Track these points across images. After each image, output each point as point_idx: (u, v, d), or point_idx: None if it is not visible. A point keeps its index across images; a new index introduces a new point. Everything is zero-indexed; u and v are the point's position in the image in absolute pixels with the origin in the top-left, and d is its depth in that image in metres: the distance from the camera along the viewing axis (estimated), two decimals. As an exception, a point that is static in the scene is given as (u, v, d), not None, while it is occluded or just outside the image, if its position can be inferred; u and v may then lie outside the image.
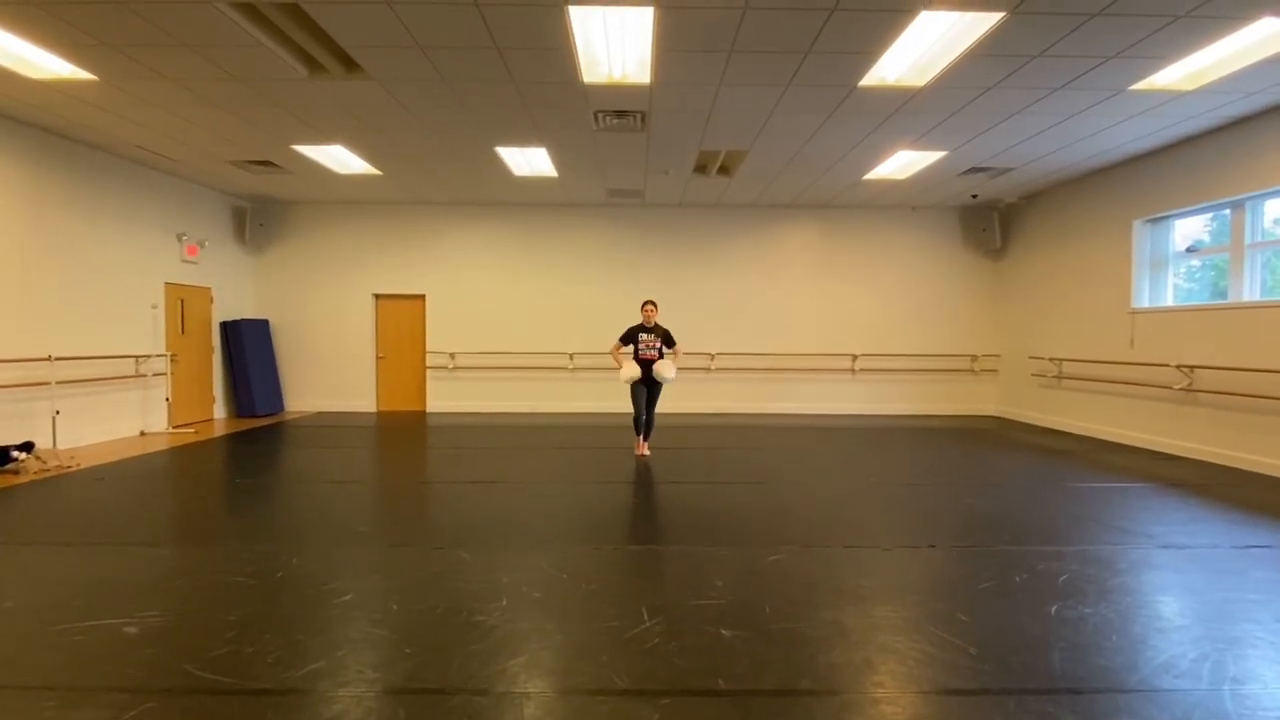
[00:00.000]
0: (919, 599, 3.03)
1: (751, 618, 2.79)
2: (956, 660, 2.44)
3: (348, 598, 2.99)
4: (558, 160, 7.44)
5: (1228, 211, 6.46)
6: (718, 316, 10.05)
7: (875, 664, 2.42)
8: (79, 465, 5.87)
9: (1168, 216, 7.12)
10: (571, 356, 10.03)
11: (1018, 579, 3.26)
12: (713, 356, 10.06)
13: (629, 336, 6.36)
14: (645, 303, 6.42)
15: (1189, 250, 7.04)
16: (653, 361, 6.25)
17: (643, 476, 5.62)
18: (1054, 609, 2.91)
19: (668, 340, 6.39)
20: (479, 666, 2.37)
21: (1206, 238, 6.96)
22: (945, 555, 3.63)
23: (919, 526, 4.21)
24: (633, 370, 6.18)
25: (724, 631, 2.66)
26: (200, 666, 2.35)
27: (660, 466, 6.00)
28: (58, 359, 6.50)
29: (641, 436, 6.50)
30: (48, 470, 5.62)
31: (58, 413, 6.46)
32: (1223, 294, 6.59)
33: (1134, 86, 5.15)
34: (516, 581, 3.19)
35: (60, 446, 6.49)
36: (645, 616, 2.80)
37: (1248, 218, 6.23)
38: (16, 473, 5.50)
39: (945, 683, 2.29)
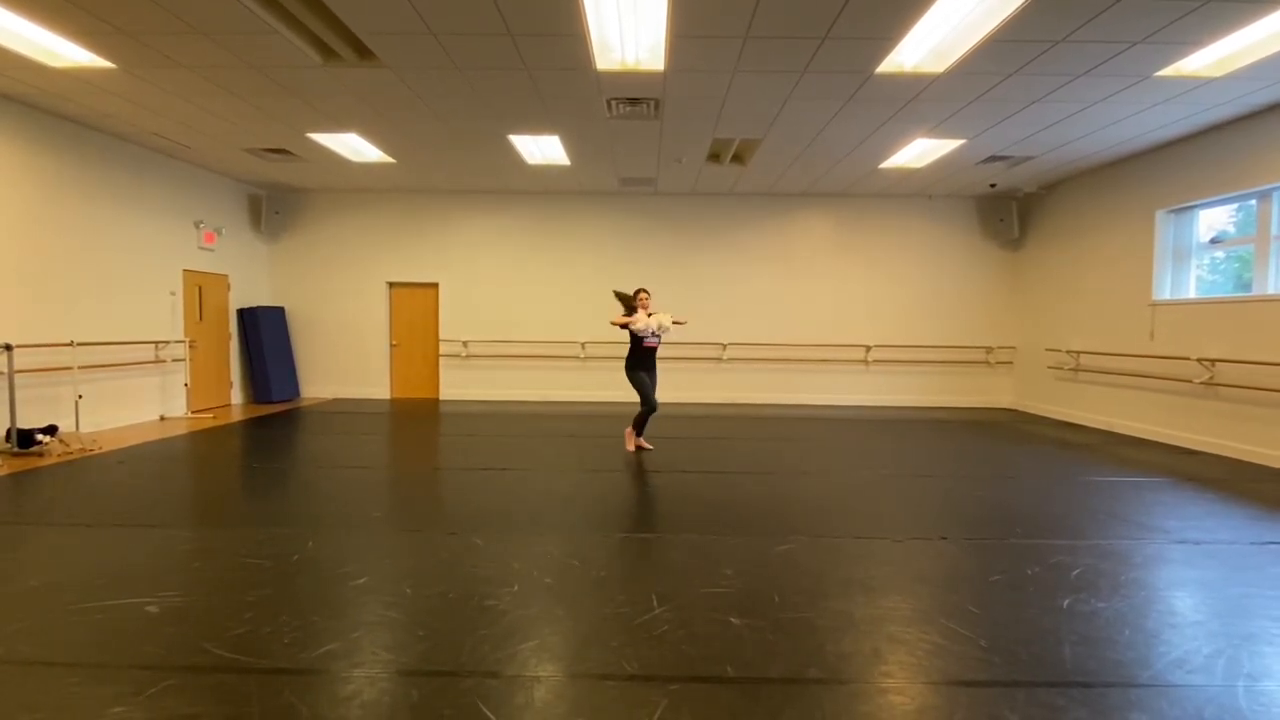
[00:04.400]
0: (929, 590, 3.02)
1: (760, 606, 2.80)
2: (966, 652, 2.44)
3: (362, 581, 3.03)
4: (570, 148, 7.42)
5: (1254, 202, 6.31)
6: (730, 306, 10.01)
7: (884, 654, 2.42)
8: (101, 449, 5.99)
9: (1192, 207, 6.97)
10: (583, 345, 10.05)
11: (1030, 572, 3.24)
12: (724, 346, 10.04)
13: (629, 309, 6.08)
14: (639, 291, 6.10)
15: (1213, 241, 6.90)
16: (655, 350, 6.08)
17: (654, 466, 5.63)
18: (1066, 603, 2.89)
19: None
20: (490, 650, 2.40)
21: (1231, 228, 6.81)
22: (957, 547, 3.62)
23: (931, 518, 4.19)
24: (648, 320, 5.82)
25: (733, 619, 2.68)
26: (219, 645, 2.40)
27: (671, 456, 6.01)
28: (80, 344, 6.61)
29: (637, 430, 6.20)
30: (70, 453, 5.74)
31: (80, 397, 6.58)
32: (1247, 286, 6.46)
33: (1160, 73, 5.03)
34: (528, 567, 3.22)
35: (82, 430, 6.61)
36: (654, 603, 2.82)
37: (1274, 208, 6.08)
38: (41, 455, 5.62)
39: (954, 674, 2.29)
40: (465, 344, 10.16)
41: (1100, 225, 8.09)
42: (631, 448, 6.19)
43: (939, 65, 4.94)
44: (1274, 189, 6.03)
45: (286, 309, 10.10)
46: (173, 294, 8.10)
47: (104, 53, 4.92)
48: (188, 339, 8.28)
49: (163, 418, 7.89)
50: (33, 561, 3.24)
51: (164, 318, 7.96)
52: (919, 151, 7.34)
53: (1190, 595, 3.03)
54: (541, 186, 9.49)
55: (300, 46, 4.74)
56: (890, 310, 10.00)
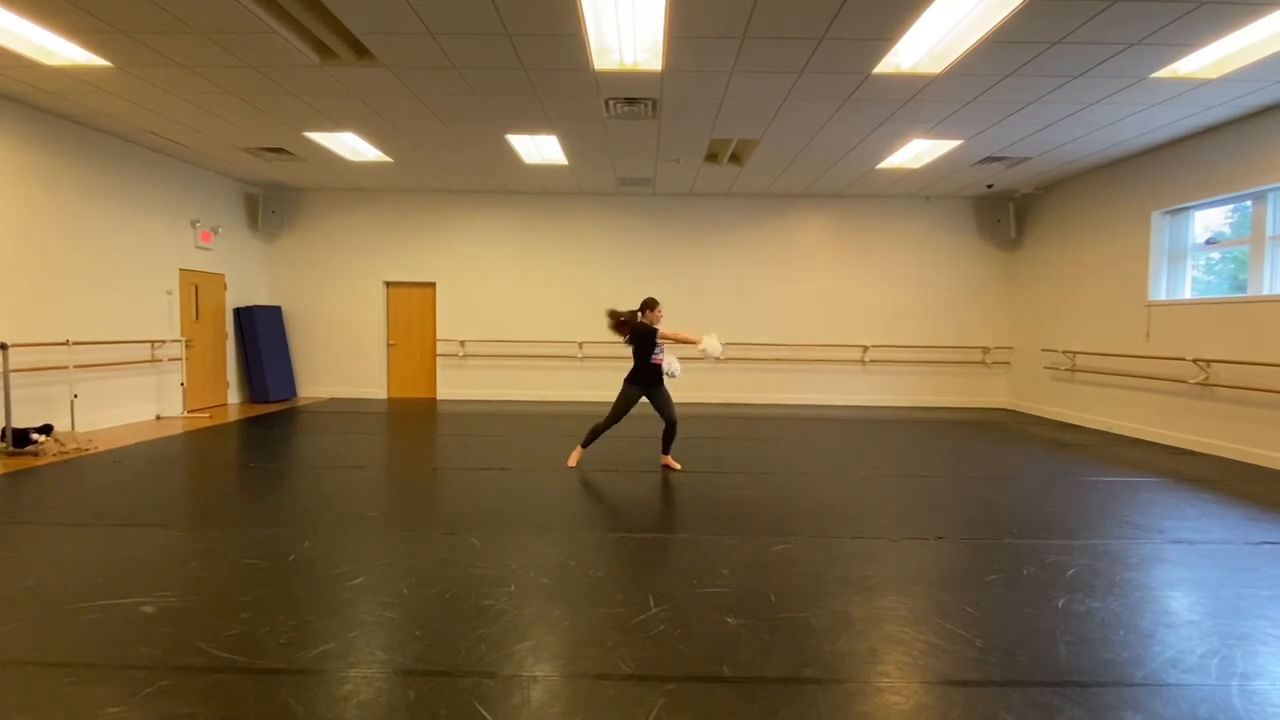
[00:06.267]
0: (925, 590, 3.03)
1: (757, 606, 2.81)
2: (962, 651, 2.44)
3: (359, 581, 3.03)
4: (568, 148, 7.41)
5: (1249, 203, 6.34)
6: (727, 306, 10.01)
7: (880, 654, 2.42)
8: (96, 448, 5.97)
9: (1187, 208, 7.00)
10: (580, 345, 10.04)
11: (1026, 572, 3.25)
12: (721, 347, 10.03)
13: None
14: (655, 304, 5.43)
15: (1208, 242, 6.92)
16: (660, 366, 5.48)
17: (650, 466, 5.63)
18: (1061, 602, 2.90)
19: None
20: (487, 650, 2.40)
21: (1227, 229, 6.84)
22: (953, 547, 3.62)
23: (927, 518, 4.20)
24: (713, 342, 5.33)
25: (729, 619, 2.68)
26: (215, 646, 2.39)
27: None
28: (75, 343, 6.59)
29: (585, 442, 5.55)
30: (66, 453, 5.72)
31: (76, 396, 6.56)
32: (1242, 287, 6.48)
33: (1155, 74, 5.04)
34: (525, 567, 3.22)
35: (78, 430, 6.59)
36: (651, 603, 2.82)
37: (1269, 210, 6.11)
38: (36, 455, 5.60)
39: (950, 673, 2.29)
40: (462, 344, 10.15)
41: (1097, 226, 8.12)
42: (573, 463, 5.50)
43: (936, 66, 4.95)
44: (1269, 190, 6.06)
45: (283, 308, 10.07)
46: (169, 293, 8.07)
47: (100, 51, 4.91)
48: (184, 338, 8.26)
49: (159, 417, 7.87)
50: (27, 561, 3.23)
51: (160, 317, 7.94)
52: (916, 152, 7.35)
53: (1185, 595, 3.05)
54: (539, 186, 9.48)
55: (298, 46, 4.73)
56: (887, 311, 10.02)
